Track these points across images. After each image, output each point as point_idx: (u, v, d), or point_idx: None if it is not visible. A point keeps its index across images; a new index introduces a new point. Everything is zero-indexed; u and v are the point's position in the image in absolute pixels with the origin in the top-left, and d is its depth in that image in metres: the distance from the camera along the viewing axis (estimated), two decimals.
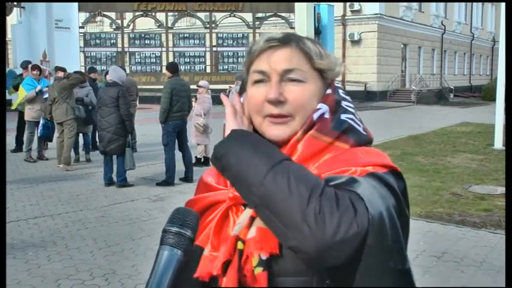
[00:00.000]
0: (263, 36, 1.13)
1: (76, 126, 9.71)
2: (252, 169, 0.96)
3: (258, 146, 1.00)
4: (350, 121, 1.11)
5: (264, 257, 1.01)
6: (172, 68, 8.59)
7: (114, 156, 8.04)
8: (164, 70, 11.10)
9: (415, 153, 11.39)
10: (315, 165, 1.06)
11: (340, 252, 0.90)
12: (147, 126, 14.10)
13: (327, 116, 1.09)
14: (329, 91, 1.14)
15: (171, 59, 23.42)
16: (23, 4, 23.15)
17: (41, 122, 10.02)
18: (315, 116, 1.08)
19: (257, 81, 1.11)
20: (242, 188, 0.98)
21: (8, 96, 17.43)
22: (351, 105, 1.16)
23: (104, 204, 7.04)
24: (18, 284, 4.37)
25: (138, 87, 12.69)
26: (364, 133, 1.13)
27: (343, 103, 1.14)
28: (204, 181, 1.23)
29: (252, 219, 1.06)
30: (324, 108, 1.10)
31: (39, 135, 10.16)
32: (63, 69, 10.29)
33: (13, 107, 10.98)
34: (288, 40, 1.10)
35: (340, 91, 1.17)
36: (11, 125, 11.56)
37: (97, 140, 10.71)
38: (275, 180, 0.94)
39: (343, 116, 1.11)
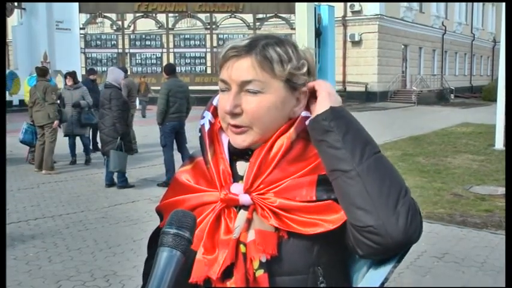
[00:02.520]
0: (229, 42, 1.12)
1: (57, 130, 9.43)
2: (364, 141, 1.02)
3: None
4: None
5: (264, 260, 1.03)
6: (169, 69, 8.58)
7: None
8: None
9: (416, 153, 11.39)
10: (311, 166, 1.08)
11: (407, 247, 1.00)
12: (148, 127, 14.10)
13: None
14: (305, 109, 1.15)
15: (171, 60, 23.43)
16: (23, 5, 23.16)
17: (24, 126, 9.72)
18: (307, 122, 1.10)
19: (222, 90, 1.12)
20: (347, 152, 1.00)
21: (8, 97, 17.43)
22: None
23: (105, 205, 7.04)
24: (19, 285, 4.37)
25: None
26: None
27: None
28: (180, 181, 1.21)
29: (248, 222, 1.06)
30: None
31: (20, 139, 9.81)
32: (45, 71, 9.85)
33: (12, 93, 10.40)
34: (251, 48, 1.08)
35: None
36: (11, 126, 11.57)
37: (97, 141, 10.75)
38: (382, 161, 1.01)
39: None
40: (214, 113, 1.18)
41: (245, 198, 1.08)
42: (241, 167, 1.13)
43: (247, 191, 1.09)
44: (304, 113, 1.11)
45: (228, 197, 1.09)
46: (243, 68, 1.07)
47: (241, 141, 1.10)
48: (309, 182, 1.06)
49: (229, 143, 1.14)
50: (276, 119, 1.10)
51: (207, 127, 1.17)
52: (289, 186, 1.06)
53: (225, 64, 1.10)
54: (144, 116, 19.57)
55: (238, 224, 1.07)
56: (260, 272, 1.02)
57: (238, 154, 1.14)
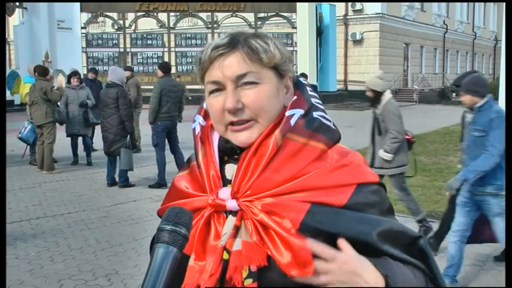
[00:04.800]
0: (210, 43, 1.11)
1: (55, 130, 9.39)
2: None
3: None
4: (321, 118, 1.11)
5: (253, 269, 1.01)
6: (164, 67, 8.45)
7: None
8: None
9: (418, 152, 11.33)
10: (302, 176, 1.04)
11: None
12: (149, 126, 14.14)
13: (299, 117, 1.09)
14: (295, 97, 1.13)
15: (173, 59, 23.45)
16: (25, 5, 23.16)
17: (25, 124, 9.71)
18: (292, 121, 1.07)
19: (213, 91, 1.09)
20: None
21: (9, 97, 17.44)
22: (319, 101, 1.16)
23: (107, 205, 7.05)
24: (21, 285, 4.38)
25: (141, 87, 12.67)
26: (334, 128, 1.12)
27: (313, 100, 1.14)
28: (177, 187, 1.20)
29: (236, 229, 1.05)
30: (298, 112, 1.09)
31: (19, 136, 9.77)
32: (46, 71, 9.87)
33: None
34: (234, 43, 1.08)
35: (308, 88, 1.16)
36: (13, 125, 11.59)
37: (93, 141, 10.73)
38: None
39: (315, 114, 1.11)
40: (206, 116, 1.17)
41: (232, 204, 1.06)
42: (231, 170, 1.12)
43: (234, 196, 1.07)
44: (288, 113, 1.09)
45: (215, 202, 1.07)
46: (234, 63, 1.06)
47: (247, 138, 1.07)
48: (298, 209, 1.02)
49: (219, 142, 1.13)
50: (276, 108, 1.09)
51: (197, 130, 1.16)
52: (279, 204, 1.03)
53: (211, 65, 1.09)
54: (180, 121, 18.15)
55: (226, 231, 1.06)
56: (249, 281, 1.01)
57: (229, 153, 1.12)
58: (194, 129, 1.17)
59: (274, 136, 1.06)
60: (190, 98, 17.19)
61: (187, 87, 15.47)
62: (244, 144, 1.08)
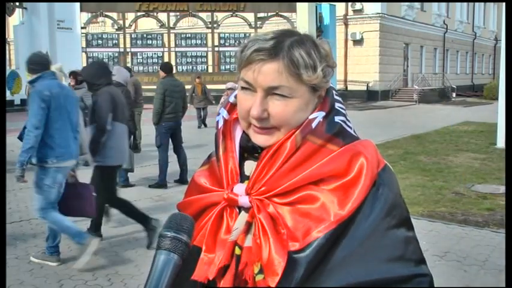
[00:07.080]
0: (254, 42, 1.08)
1: None
2: None
3: None
4: (342, 123, 1.11)
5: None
6: (166, 68, 8.42)
7: None
8: None
9: (418, 152, 11.39)
10: (313, 166, 1.05)
11: None
12: (149, 126, 14.12)
13: (321, 119, 1.09)
14: (324, 98, 1.13)
15: (173, 59, 23.45)
16: (24, 5, 23.15)
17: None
18: (314, 124, 1.08)
19: (244, 88, 1.10)
20: None
21: (9, 97, 17.42)
22: (343, 106, 1.16)
23: (106, 204, 7.03)
24: (21, 284, 4.38)
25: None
26: (355, 135, 1.12)
27: (336, 105, 1.14)
28: (197, 182, 1.22)
29: (248, 225, 1.06)
30: (320, 115, 1.09)
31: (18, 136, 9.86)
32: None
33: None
34: (277, 51, 1.05)
35: (334, 92, 1.16)
36: (12, 125, 11.58)
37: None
38: None
39: (337, 118, 1.11)
40: (230, 110, 1.18)
41: (244, 200, 1.08)
42: (249, 166, 1.13)
43: (248, 192, 1.08)
44: (311, 116, 1.09)
45: (229, 196, 1.09)
46: (269, 73, 1.05)
47: (265, 140, 1.09)
48: (303, 233, 1.01)
49: (241, 139, 1.14)
50: (301, 119, 1.09)
51: (220, 123, 1.17)
52: (290, 211, 1.04)
53: (249, 66, 1.07)
54: (205, 125, 16.50)
55: (237, 226, 1.07)
56: (260, 277, 1.02)
57: (249, 150, 1.14)
58: (217, 123, 1.18)
59: (294, 137, 1.07)
60: (213, 102, 16.61)
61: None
62: (262, 145, 1.10)
